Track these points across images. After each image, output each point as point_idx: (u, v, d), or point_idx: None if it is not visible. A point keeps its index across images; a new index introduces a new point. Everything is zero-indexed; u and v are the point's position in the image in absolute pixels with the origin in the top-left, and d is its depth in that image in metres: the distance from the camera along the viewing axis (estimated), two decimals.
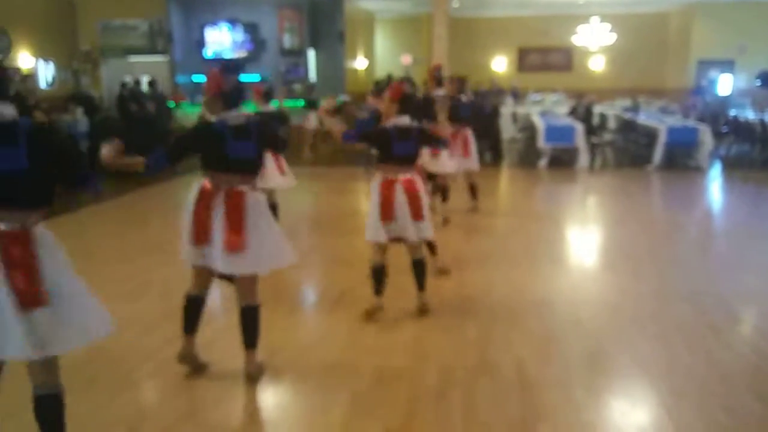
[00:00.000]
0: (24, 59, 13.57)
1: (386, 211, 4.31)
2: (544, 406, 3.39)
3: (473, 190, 7.83)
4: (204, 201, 3.44)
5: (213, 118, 3.47)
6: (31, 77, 13.69)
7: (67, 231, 5.94)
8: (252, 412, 3.44)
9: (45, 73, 14.26)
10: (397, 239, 4.46)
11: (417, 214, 4.37)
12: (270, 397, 3.57)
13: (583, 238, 7.29)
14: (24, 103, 11.61)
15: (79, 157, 2.94)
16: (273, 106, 6.97)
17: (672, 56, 19.50)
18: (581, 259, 6.41)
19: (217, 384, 3.65)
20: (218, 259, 3.40)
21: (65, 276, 2.60)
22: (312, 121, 12.41)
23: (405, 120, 4.37)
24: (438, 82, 7.27)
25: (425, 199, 4.50)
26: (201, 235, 3.43)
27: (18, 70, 13.32)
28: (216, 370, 3.79)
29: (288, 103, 10.08)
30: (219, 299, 4.79)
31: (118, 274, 5.64)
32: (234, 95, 3.45)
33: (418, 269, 4.58)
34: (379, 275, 4.53)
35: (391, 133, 4.33)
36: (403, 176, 4.38)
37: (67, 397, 2.66)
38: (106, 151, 3.19)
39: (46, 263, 2.53)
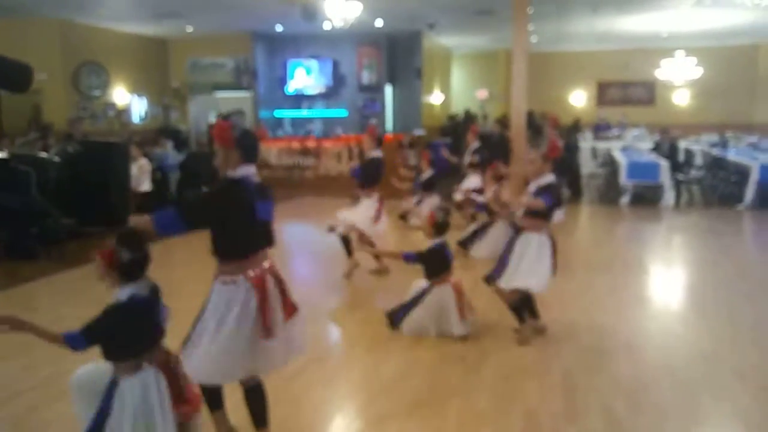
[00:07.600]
0: (120, 95, 14.42)
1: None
2: None
3: None
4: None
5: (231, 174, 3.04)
6: (125, 112, 14.53)
7: None
8: None
9: (138, 108, 15.08)
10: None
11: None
12: None
13: (672, 280, 6.98)
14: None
15: None
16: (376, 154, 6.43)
17: (762, 90, 18.73)
18: (670, 302, 6.12)
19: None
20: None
21: None
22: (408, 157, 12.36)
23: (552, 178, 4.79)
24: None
25: None
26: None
27: (114, 105, 14.17)
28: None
29: None
30: None
31: None
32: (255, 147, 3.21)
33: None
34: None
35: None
36: None
37: None
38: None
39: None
